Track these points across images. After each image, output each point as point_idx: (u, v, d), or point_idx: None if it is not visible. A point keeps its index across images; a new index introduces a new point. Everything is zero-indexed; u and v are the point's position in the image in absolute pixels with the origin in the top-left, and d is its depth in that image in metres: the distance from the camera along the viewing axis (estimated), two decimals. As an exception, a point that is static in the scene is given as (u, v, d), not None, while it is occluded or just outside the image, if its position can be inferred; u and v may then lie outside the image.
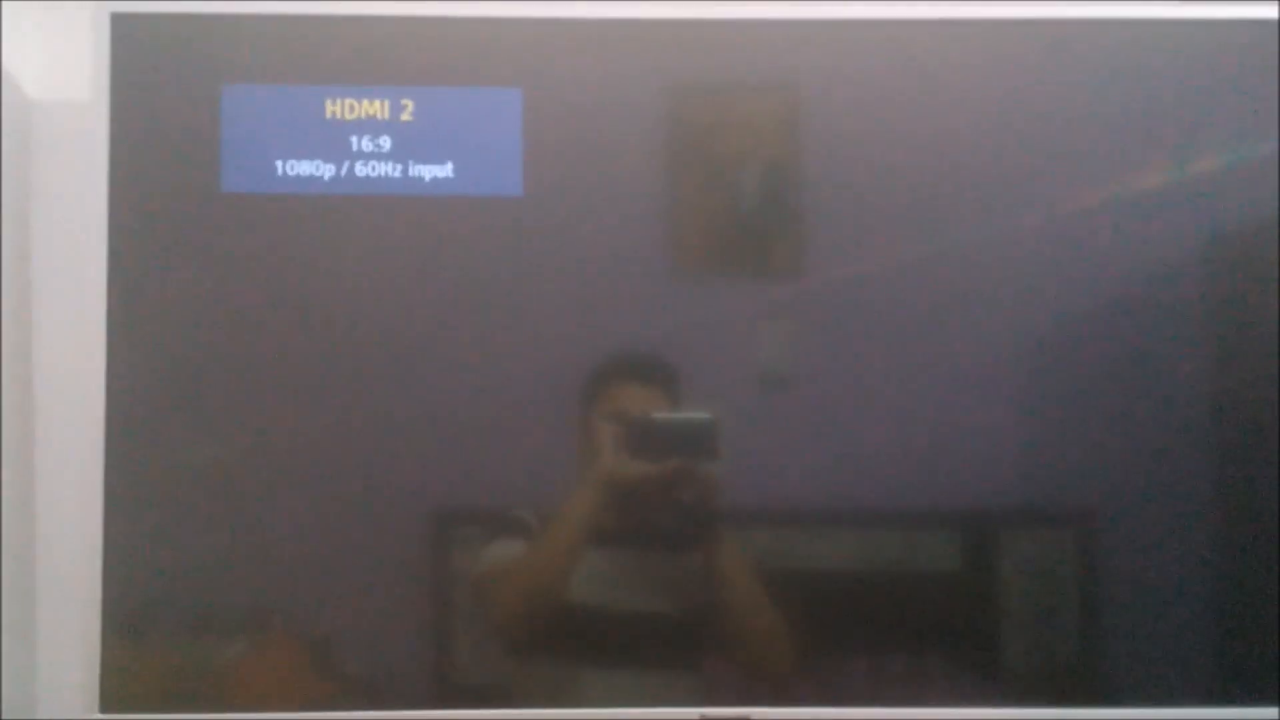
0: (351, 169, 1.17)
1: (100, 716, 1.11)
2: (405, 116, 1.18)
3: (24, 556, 1.28)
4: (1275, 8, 1.16)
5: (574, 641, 1.14)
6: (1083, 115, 1.17)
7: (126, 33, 1.16)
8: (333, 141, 1.17)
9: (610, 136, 1.17)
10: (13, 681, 1.24)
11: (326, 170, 1.17)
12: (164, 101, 1.17)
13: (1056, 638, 1.16)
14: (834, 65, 1.17)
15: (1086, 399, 1.16)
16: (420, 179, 1.17)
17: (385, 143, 1.17)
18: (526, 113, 1.17)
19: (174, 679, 1.14)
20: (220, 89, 1.17)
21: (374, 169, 1.17)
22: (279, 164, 1.17)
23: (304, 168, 1.17)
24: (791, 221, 1.18)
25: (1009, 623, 1.15)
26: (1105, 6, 1.18)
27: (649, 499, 1.14)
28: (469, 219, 1.17)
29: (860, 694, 1.14)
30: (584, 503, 1.14)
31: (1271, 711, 1.12)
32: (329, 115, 1.18)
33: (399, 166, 1.17)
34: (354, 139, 1.17)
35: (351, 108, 1.18)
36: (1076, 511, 1.16)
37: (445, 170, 1.17)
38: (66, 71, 1.29)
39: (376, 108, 1.18)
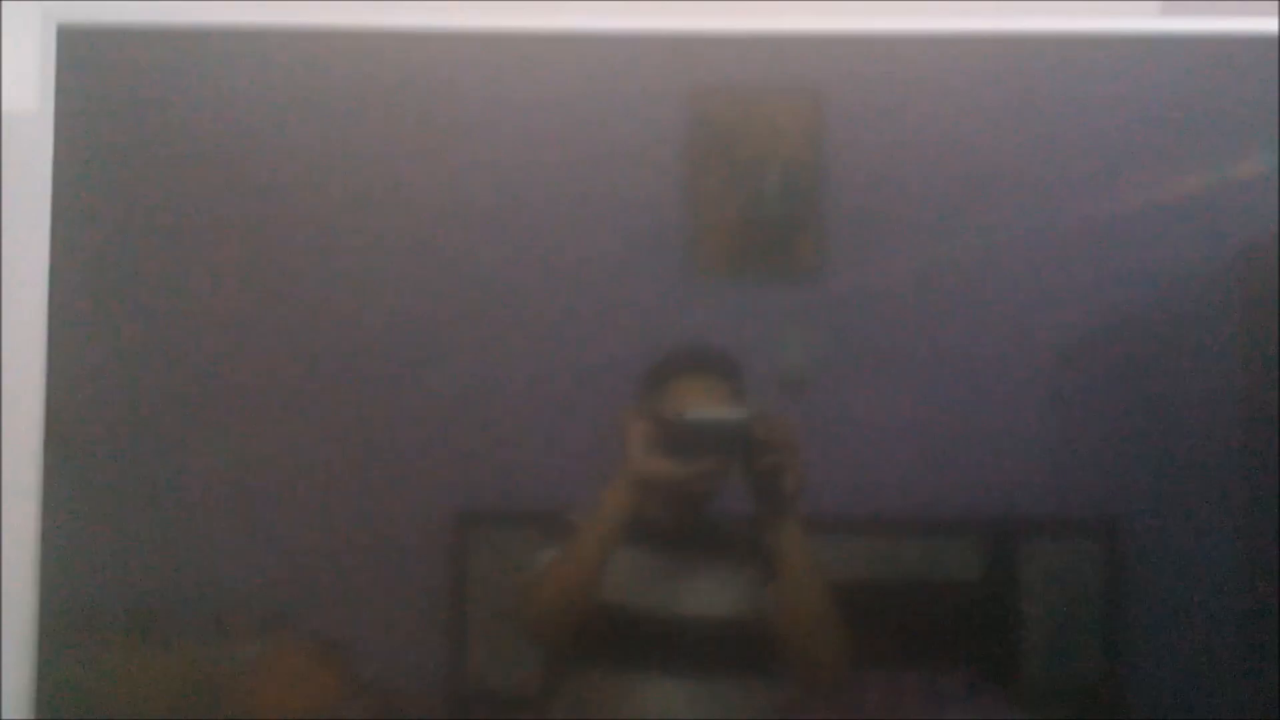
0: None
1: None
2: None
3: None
4: (1275, 21, 1.16)
5: (601, 646, 1.10)
6: (1106, 126, 1.16)
7: (72, 44, 1.12)
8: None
9: (635, 140, 1.15)
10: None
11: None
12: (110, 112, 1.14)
13: (1080, 652, 1.14)
14: (857, 72, 1.16)
15: (1112, 406, 1.15)
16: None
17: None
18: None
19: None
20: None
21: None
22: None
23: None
24: (814, 224, 1.16)
25: (1031, 635, 1.13)
26: (1129, 21, 1.19)
27: (682, 499, 1.11)
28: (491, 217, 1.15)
29: (877, 708, 1.11)
30: (615, 503, 1.09)
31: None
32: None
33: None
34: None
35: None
36: (1102, 521, 1.14)
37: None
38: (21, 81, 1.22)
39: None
